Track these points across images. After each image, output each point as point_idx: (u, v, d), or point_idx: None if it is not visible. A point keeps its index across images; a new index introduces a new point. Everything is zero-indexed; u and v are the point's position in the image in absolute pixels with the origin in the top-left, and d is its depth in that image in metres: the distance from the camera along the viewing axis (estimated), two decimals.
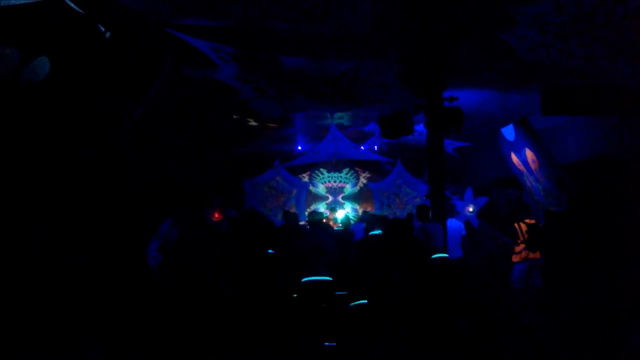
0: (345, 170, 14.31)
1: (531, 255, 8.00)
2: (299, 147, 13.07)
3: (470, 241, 9.02)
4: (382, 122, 8.68)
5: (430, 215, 7.69)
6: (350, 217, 11.86)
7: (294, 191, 13.71)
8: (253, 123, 10.53)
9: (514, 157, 9.82)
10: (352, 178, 14.37)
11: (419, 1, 5.28)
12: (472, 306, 6.14)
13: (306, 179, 14.09)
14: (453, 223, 8.75)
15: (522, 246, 8.04)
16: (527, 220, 8.26)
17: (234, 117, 10.13)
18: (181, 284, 5.47)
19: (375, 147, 13.85)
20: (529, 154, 9.15)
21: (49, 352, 4.81)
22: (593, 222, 7.70)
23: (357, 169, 14.38)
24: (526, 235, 8.01)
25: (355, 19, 5.62)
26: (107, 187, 6.77)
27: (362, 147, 13.41)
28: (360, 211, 13.68)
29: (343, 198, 14.33)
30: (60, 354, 4.86)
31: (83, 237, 6.08)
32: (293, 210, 12.39)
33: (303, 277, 6.13)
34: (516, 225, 8.21)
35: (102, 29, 5.59)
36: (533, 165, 9.23)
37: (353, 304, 6.08)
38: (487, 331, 5.41)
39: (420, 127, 9.50)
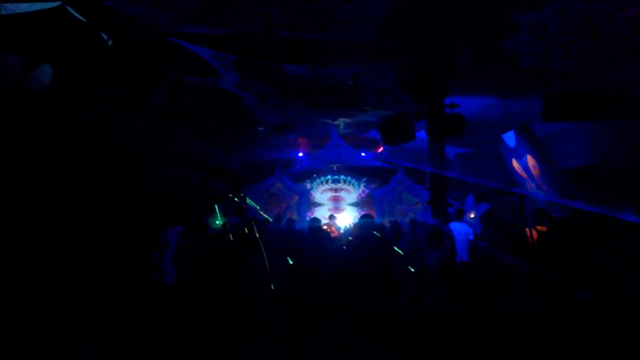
0: (347, 178, 14.31)
1: None
2: (300, 154, 13.08)
3: (473, 247, 8.93)
4: (384, 128, 8.68)
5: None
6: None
7: (295, 198, 13.71)
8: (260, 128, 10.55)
9: (515, 163, 9.83)
10: (354, 185, 14.36)
11: (421, 9, 5.31)
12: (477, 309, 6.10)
13: (308, 186, 14.09)
14: (462, 227, 8.62)
15: None
16: (538, 227, 8.19)
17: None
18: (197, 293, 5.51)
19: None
20: (530, 160, 9.17)
21: (49, 352, 4.83)
22: (595, 228, 7.67)
23: (357, 176, 14.38)
24: (537, 243, 7.94)
25: (357, 27, 5.64)
26: (109, 193, 6.78)
27: (363, 154, 13.41)
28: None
29: (345, 205, 14.32)
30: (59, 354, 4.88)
31: (85, 241, 6.11)
32: (294, 216, 12.37)
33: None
34: (527, 230, 8.14)
35: (105, 37, 5.61)
36: (534, 171, 9.24)
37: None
38: (494, 335, 5.39)
39: (421, 134, 9.51)
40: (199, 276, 5.67)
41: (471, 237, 8.69)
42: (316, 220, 7.39)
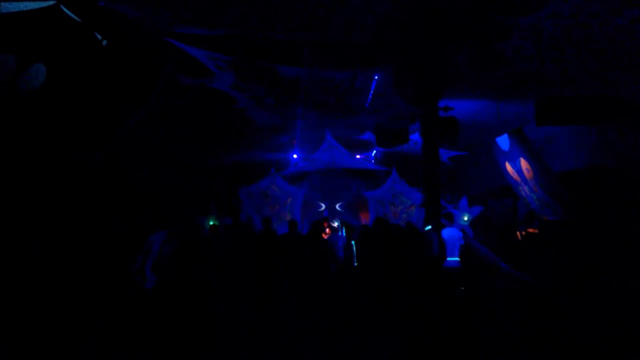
0: (341, 180, 14.32)
1: None
2: (295, 156, 13.08)
3: (467, 249, 8.96)
4: (378, 131, 8.69)
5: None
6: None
7: (290, 199, 13.68)
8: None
9: (508, 167, 9.87)
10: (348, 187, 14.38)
11: (415, 12, 5.32)
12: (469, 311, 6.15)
13: (302, 188, 14.09)
14: (452, 231, 8.67)
15: None
16: (529, 230, 8.23)
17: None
18: (178, 298, 5.50)
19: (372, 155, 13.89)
20: (523, 163, 9.20)
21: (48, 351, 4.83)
22: (587, 231, 7.72)
23: (351, 177, 14.39)
24: (527, 245, 8.00)
25: (352, 30, 5.66)
26: (103, 193, 6.76)
27: (357, 156, 13.43)
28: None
29: (339, 206, 14.33)
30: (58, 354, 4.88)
31: (81, 241, 6.10)
32: (289, 218, 12.36)
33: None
34: (518, 234, 8.19)
35: (99, 37, 5.60)
36: (528, 175, 9.28)
37: None
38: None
39: (415, 136, 9.53)
40: (178, 285, 5.67)
41: (462, 241, 8.74)
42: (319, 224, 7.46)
